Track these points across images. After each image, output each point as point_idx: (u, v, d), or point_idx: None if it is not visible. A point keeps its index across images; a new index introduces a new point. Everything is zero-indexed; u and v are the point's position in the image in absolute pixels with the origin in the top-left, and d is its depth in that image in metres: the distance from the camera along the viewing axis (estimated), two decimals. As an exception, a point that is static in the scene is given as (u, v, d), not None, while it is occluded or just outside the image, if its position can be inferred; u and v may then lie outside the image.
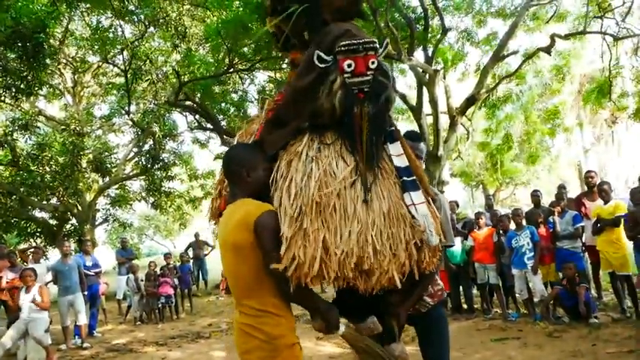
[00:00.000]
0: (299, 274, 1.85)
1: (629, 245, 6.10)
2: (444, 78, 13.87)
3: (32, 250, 8.53)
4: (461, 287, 7.88)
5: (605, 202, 6.44)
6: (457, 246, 7.51)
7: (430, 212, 2.10)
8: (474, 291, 8.00)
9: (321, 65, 2.10)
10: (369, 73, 2.06)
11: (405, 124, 18.68)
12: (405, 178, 2.12)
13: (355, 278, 1.94)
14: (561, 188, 7.76)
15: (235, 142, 2.54)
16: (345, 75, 2.04)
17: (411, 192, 2.09)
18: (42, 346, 6.38)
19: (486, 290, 7.62)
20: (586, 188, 7.40)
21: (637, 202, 5.88)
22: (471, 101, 12.56)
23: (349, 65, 2.04)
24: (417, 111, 13.21)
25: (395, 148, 2.21)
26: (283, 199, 1.98)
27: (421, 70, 12.62)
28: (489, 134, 16.75)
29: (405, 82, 17.59)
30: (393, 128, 2.29)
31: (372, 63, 2.06)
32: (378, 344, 2.24)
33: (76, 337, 7.97)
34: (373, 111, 2.05)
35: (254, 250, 1.95)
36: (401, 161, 2.18)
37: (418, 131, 2.52)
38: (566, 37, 12.34)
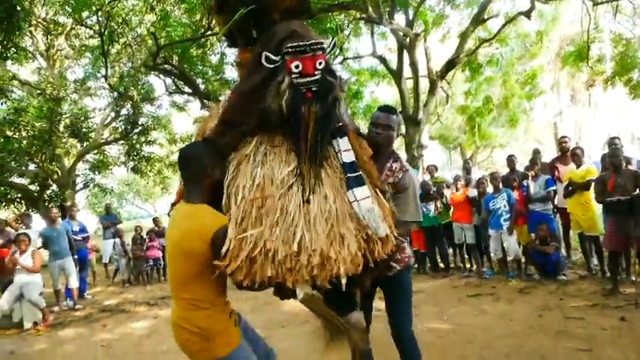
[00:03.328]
0: (239, 276, 1.92)
1: (597, 208, 6.43)
2: (425, 41, 13.91)
3: (21, 216, 8.57)
4: (437, 247, 8.25)
5: (578, 167, 6.74)
6: (432, 208, 7.89)
7: (378, 204, 2.15)
8: (450, 250, 8.42)
9: (268, 66, 2.09)
10: (316, 73, 2.06)
11: (385, 88, 18.79)
12: (349, 175, 2.14)
13: (289, 274, 1.95)
14: (536, 153, 8.05)
15: (190, 142, 2.49)
16: (293, 75, 2.05)
17: (354, 188, 2.11)
18: (37, 308, 6.56)
19: (463, 249, 8.04)
20: (560, 153, 7.69)
21: (606, 167, 6.19)
22: (451, 64, 12.67)
23: (297, 66, 2.05)
24: (397, 75, 13.31)
25: (344, 144, 2.22)
26: (231, 203, 2.04)
27: (402, 34, 12.64)
28: (469, 97, 16.94)
29: (385, 46, 17.56)
30: (342, 124, 2.30)
31: (320, 63, 2.07)
32: (335, 313, 2.37)
33: (68, 299, 8.16)
34: (321, 110, 2.06)
35: (204, 256, 2.00)
36: (348, 157, 2.19)
37: (392, 105, 2.53)
38: (547, 1, 12.42)
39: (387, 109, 2.73)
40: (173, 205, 2.36)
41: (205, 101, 14.64)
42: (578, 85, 22.98)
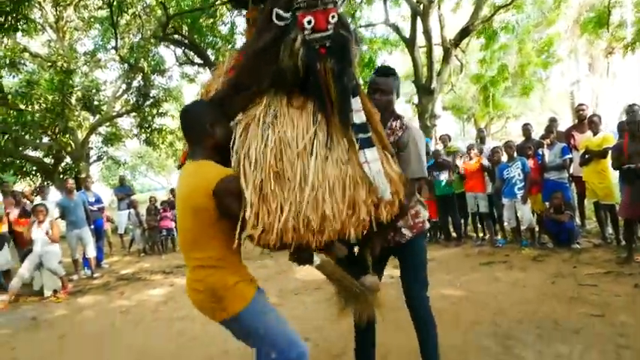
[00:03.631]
0: (264, 240, 1.92)
1: (614, 176, 6.36)
2: (439, 8, 13.58)
3: (38, 188, 8.72)
4: (450, 217, 8.23)
5: (595, 134, 6.62)
6: (444, 177, 7.84)
7: (386, 167, 2.13)
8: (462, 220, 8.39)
9: (279, 23, 2.01)
10: (329, 27, 1.99)
11: (398, 56, 18.45)
12: (360, 136, 2.08)
13: (312, 238, 1.99)
14: (552, 121, 7.91)
15: (194, 100, 2.40)
16: (305, 32, 1.97)
17: (365, 149, 2.06)
18: (57, 276, 6.72)
19: (476, 219, 8.02)
20: (577, 120, 7.55)
21: (624, 135, 6.07)
22: (465, 32, 12.40)
23: (309, 22, 1.96)
24: (410, 43, 13.06)
25: (356, 104, 2.12)
26: (245, 166, 1.98)
27: (415, 1, 12.35)
28: (483, 66, 16.58)
29: (398, 13, 17.18)
30: (355, 82, 2.17)
31: (332, 17, 1.99)
32: (350, 276, 2.35)
33: (86, 268, 8.35)
34: (337, 66, 1.98)
35: (210, 212, 1.98)
36: (359, 117, 2.11)
37: (389, 66, 2.41)
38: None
39: (384, 73, 2.63)
40: (179, 167, 2.31)
41: (215, 72, 14.51)
42: (597, 53, 22.33)
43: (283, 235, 1.92)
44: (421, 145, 2.57)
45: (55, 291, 6.75)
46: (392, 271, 3.01)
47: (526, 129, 7.55)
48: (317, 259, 2.14)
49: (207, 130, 2.08)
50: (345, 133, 2.07)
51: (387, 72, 2.63)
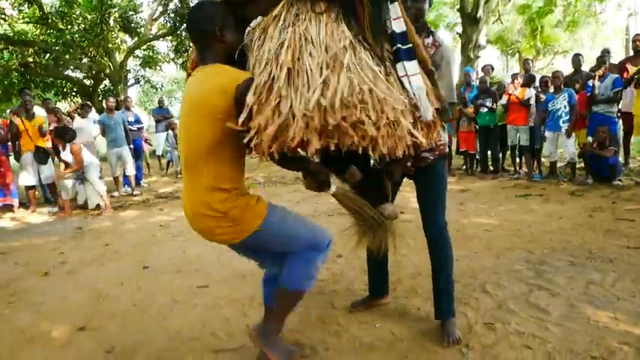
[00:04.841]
0: (265, 143, 1.63)
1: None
2: None
3: (81, 105, 8.92)
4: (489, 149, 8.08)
5: (651, 66, 6.25)
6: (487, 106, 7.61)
7: (426, 84, 1.90)
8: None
9: None
10: None
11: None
12: (399, 46, 1.87)
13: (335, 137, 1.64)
14: (604, 52, 7.46)
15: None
16: None
17: (405, 61, 1.86)
18: (97, 190, 7.00)
19: (515, 152, 7.84)
20: (632, 53, 7.10)
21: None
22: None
23: None
24: (458, -34, 12.29)
25: (393, 10, 1.92)
26: (255, 67, 1.78)
27: None
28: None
29: None
30: None
31: None
32: (368, 204, 2.26)
33: (126, 185, 8.68)
34: None
35: (225, 116, 1.77)
36: (398, 26, 1.90)
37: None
38: None
39: None
40: (188, 77, 2.12)
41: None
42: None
43: (281, 142, 1.63)
44: (453, 68, 2.36)
45: (97, 205, 7.08)
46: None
47: (577, 60, 7.16)
48: (334, 186, 2.10)
49: (216, 34, 1.91)
50: (378, 42, 1.85)
51: None
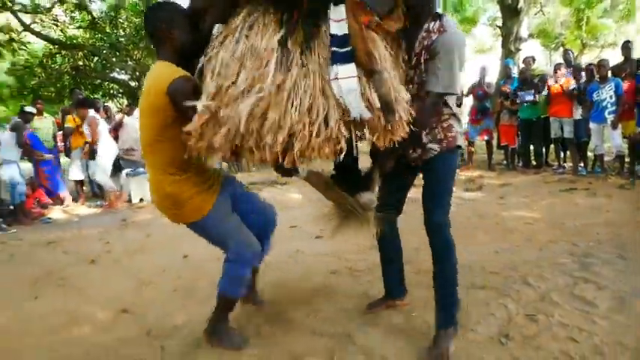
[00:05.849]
0: (204, 147, 1.83)
1: None
2: None
3: (129, 106, 9.28)
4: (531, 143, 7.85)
5: None
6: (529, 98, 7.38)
7: (361, 85, 1.87)
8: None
9: None
10: None
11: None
12: (335, 49, 1.86)
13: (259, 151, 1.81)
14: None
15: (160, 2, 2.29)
16: None
17: (339, 64, 1.84)
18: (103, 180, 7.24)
19: (559, 145, 7.58)
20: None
21: None
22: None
23: None
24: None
25: (337, 13, 1.90)
26: (207, 74, 1.89)
27: None
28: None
29: None
30: None
31: None
32: (343, 192, 2.28)
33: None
34: None
35: (167, 112, 1.99)
36: (339, 28, 1.89)
37: None
38: None
39: None
40: None
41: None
42: None
43: (218, 145, 1.78)
44: (457, 55, 2.15)
45: (141, 199, 7.30)
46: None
47: (627, 47, 6.82)
48: (303, 170, 2.12)
49: (166, 33, 2.08)
50: (320, 45, 1.90)
51: None
